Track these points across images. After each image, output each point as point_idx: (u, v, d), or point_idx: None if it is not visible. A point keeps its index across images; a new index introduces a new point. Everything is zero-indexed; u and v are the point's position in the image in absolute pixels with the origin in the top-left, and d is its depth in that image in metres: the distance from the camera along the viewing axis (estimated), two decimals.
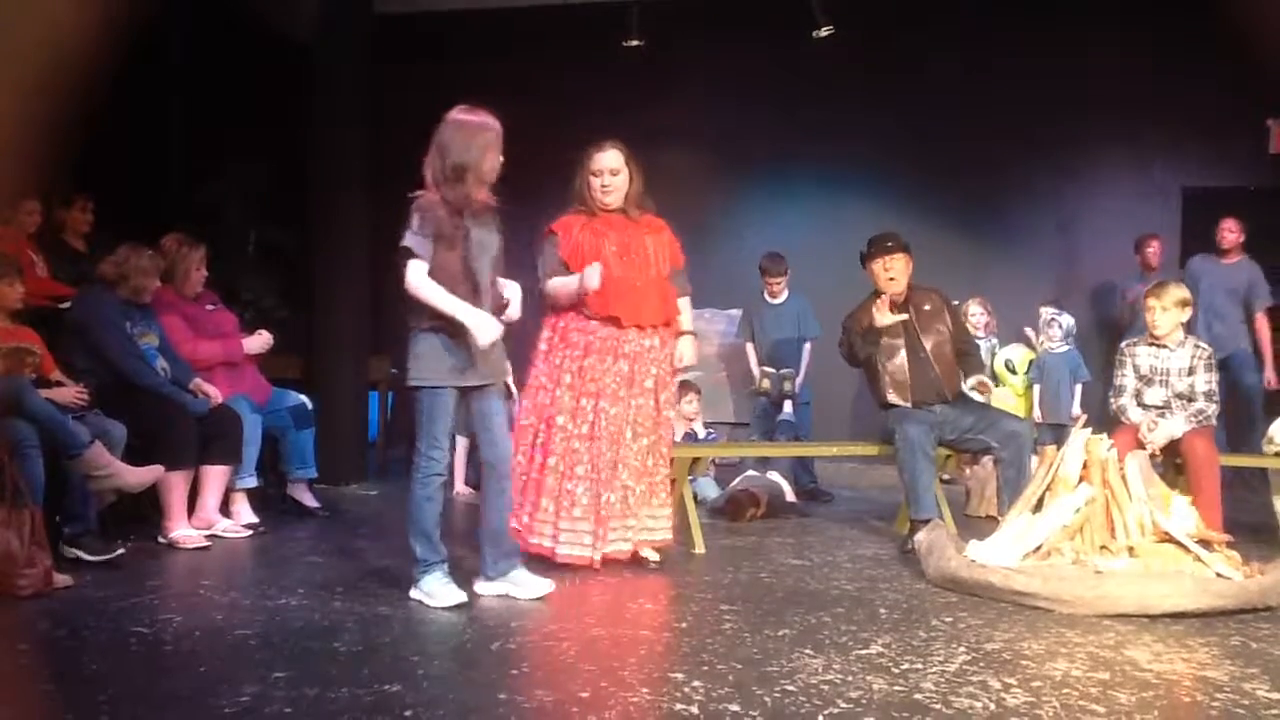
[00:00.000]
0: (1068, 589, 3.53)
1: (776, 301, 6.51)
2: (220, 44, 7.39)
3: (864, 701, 2.56)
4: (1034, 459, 4.43)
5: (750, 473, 5.92)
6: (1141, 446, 4.49)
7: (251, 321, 5.95)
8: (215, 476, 4.68)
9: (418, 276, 3.43)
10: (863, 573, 4.15)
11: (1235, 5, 5.67)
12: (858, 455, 5.56)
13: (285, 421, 5.24)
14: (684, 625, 3.34)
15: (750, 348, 6.56)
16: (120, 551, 3.96)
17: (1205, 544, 3.81)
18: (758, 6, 7.68)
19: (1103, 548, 3.81)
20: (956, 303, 5.33)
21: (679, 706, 2.50)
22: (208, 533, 4.56)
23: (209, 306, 5.15)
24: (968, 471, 6.02)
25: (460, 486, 6.15)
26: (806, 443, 6.22)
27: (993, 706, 2.54)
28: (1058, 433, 5.97)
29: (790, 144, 7.98)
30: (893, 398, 4.86)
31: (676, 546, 4.46)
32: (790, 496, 5.85)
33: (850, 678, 2.75)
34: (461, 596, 3.47)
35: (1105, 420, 4.86)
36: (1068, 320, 6.58)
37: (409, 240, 3.43)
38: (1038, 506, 4.00)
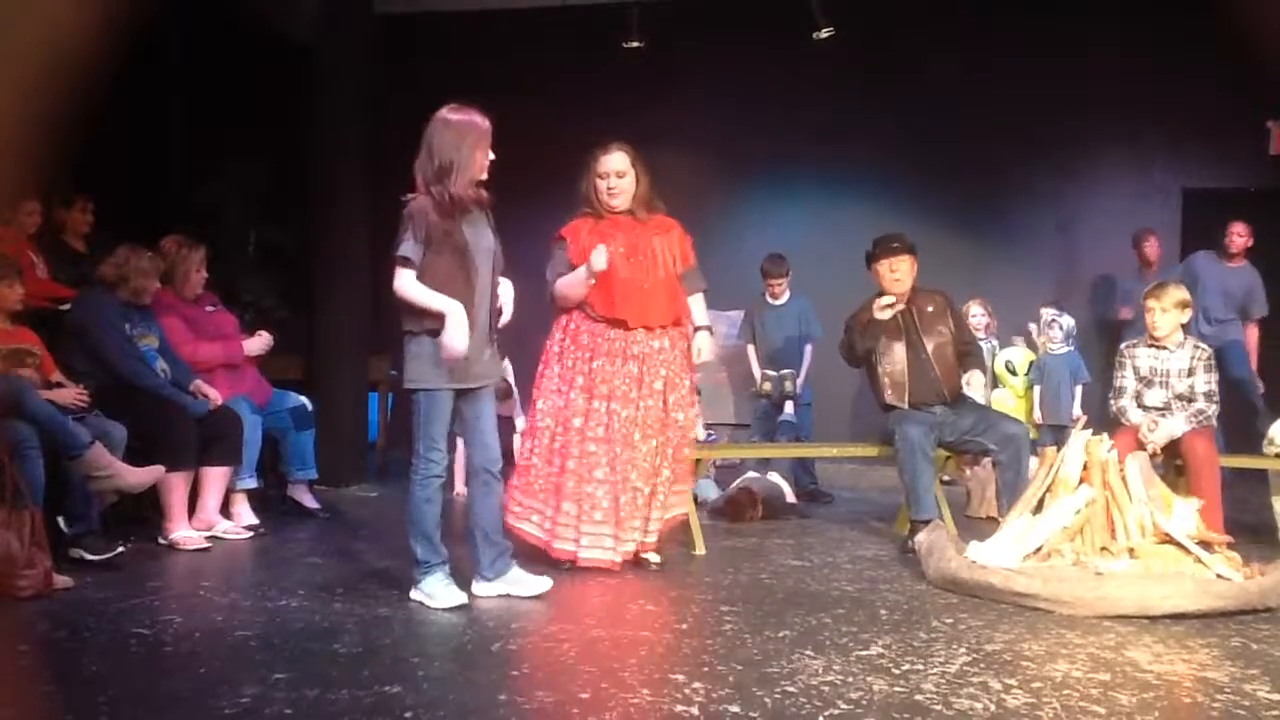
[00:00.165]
0: (1068, 590, 3.53)
1: (778, 302, 6.51)
2: (220, 44, 7.38)
3: (864, 703, 2.56)
4: (1034, 460, 4.43)
5: (750, 474, 5.92)
6: (1142, 448, 4.49)
7: (252, 322, 5.95)
8: (215, 478, 4.68)
9: (402, 282, 3.44)
10: (863, 574, 4.15)
11: (1235, 5, 5.67)
12: (858, 456, 5.55)
13: (285, 423, 5.24)
14: (684, 626, 3.34)
15: (751, 349, 6.55)
16: (121, 550, 3.96)
17: (1205, 545, 3.81)
18: (758, 8, 7.68)
19: (1103, 549, 3.81)
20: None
21: (679, 708, 2.50)
22: (208, 534, 4.57)
23: (209, 308, 5.15)
24: (968, 472, 6.01)
25: (460, 487, 6.14)
26: (807, 444, 6.21)
27: (993, 708, 2.54)
28: (1058, 434, 5.97)
29: (790, 145, 7.98)
30: (892, 399, 4.86)
31: (677, 548, 4.46)
32: (790, 497, 5.84)
33: (851, 679, 2.75)
34: (462, 598, 3.48)
35: (1105, 421, 4.85)
36: (1068, 321, 6.58)
37: (403, 248, 3.44)
38: (1038, 508, 4.00)
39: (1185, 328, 4.81)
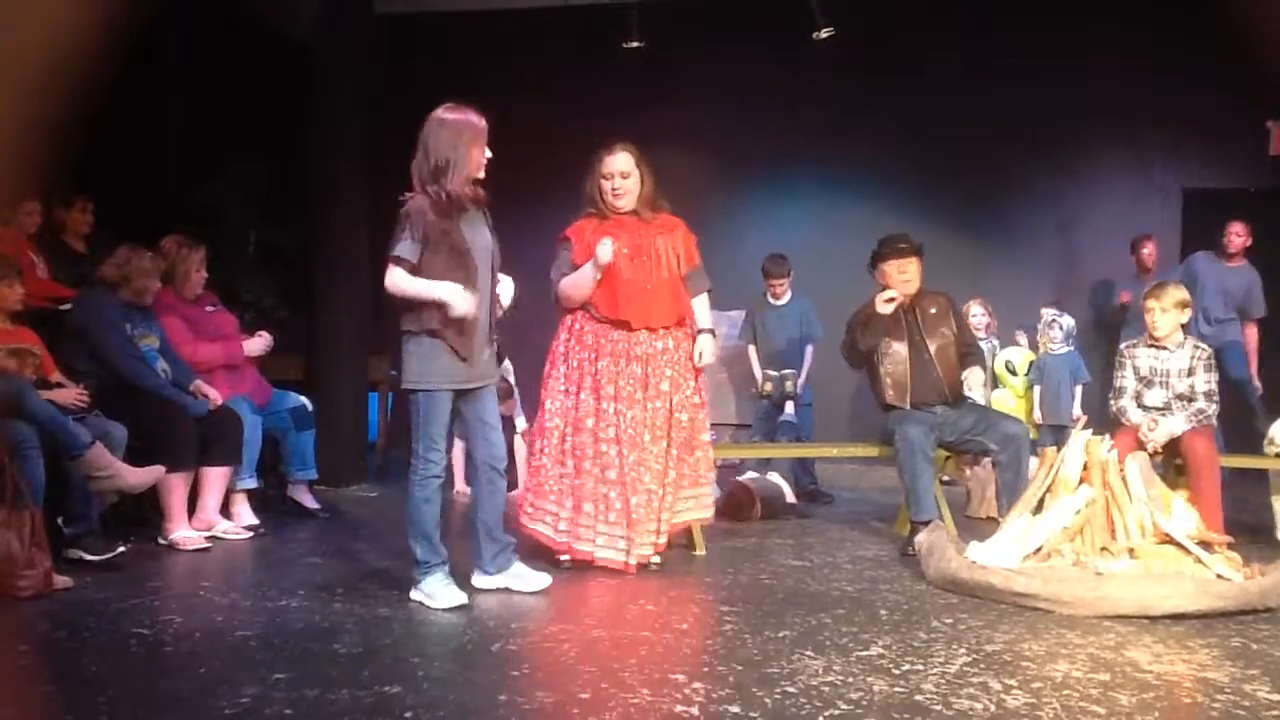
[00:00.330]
0: (1068, 590, 3.53)
1: (779, 303, 6.51)
2: (220, 44, 7.38)
3: (865, 703, 2.57)
4: (1034, 461, 4.43)
5: (750, 474, 5.92)
6: (1142, 447, 4.49)
7: (252, 323, 5.95)
8: (215, 478, 4.68)
9: (394, 278, 3.45)
10: (863, 574, 4.15)
11: (1235, 5, 5.67)
12: (858, 457, 5.55)
13: (285, 423, 5.24)
14: (684, 626, 3.34)
15: (752, 350, 6.56)
16: (121, 550, 3.96)
17: (1205, 545, 3.81)
18: (758, 8, 7.68)
19: (1103, 549, 3.81)
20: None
21: (679, 708, 2.50)
22: (208, 534, 4.56)
23: (209, 308, 5.15)
24: (968, 473, 6.01)
25: (460, 485, 6.15)
26: (807, 444, 6.22)
27: (993, 708, 2.54)
28: (1058, 434, 5.97)
29: (790, 145, 7.98)
30: (893, 399, 4.86)
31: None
32: (790, 498, 5.84)
33: (851, 679, 2.75)
34: (462, 598, 3.48)
35: (1105, 422, 4.85)
36: (1068, 322, 6.58)
37: (398, 248, 3.45)
38: (1038, 508, 4.00)
39: (1185, 328, 4.82)
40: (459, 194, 3.47)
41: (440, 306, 3.43)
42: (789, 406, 6.26)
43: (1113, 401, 4.84)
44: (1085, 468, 3.96)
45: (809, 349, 6.43)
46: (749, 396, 6.81)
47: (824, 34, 7.38)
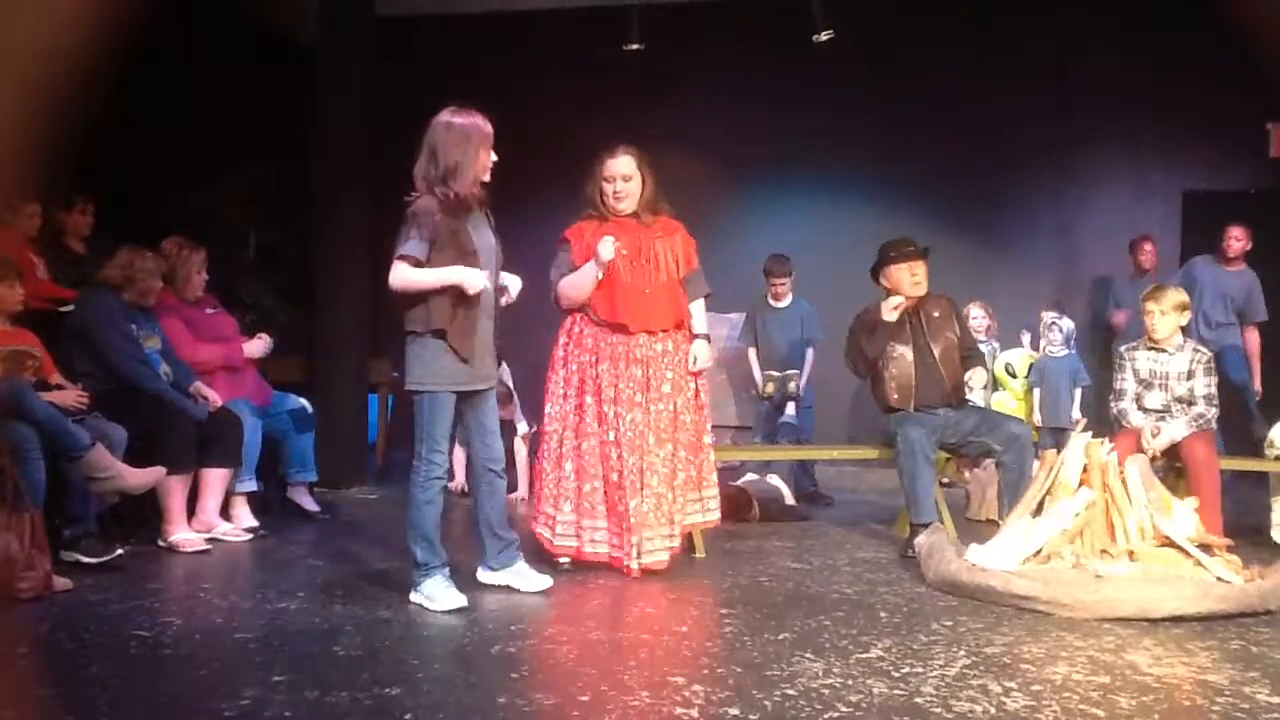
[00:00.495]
0: (1068, 593, 3.53)
1: (780, 305, 6.51)
2: (220, 44, 7.38)
3: (864, 705, 2.57)
4: (1034, 463, 4.43)
5: (750, 475, 5.92)
6: (1142, 450, 4.49)
7: (253, 325, 5.94)
8: (215, 479, 4.68)
9: (398, 272, 3.45)
10: (863, 576, 4.15)
11: (1235, 6, 5.66)
12: (858, 459, 5.55)
13: (285, 425, 5.24)
14: (684, 629, 3.35)
15: (752, 352, 6.56)
16: (119, 553, 3.96)
17: (1205, 548, 3.81)
18: (758, 10, 7.67)
19: (1103, 551, 3.81)
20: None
21: (679, 710, 2.50)
22: (208, 536, 4.56)
23: (209, 310, 5.15)
24: (967, 475, 6.02)
25: (460, 478, 6.13)
26: (807, 446, 6.21)
27: (993, 710, 2.54)
28: (1058, 437, 5.97)
29: (790, 147, 7.97)
30: (897, 401, 4.86)
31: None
32: (790, 500, 5.84)
33: (850, 681, 2.75)
34: (462, 600, 3.48)
35: (1105, 424, 4.85)
36: (1068, 324, 6.58)
37: (406, 246, 3.44)
38: (1038, 510, 4.00)
39: (1185, 330, 4.82)
40: (468, 195, 3.49)
41: (450, 300, 3.43)
42: (790, 407, 6.26)
43: (1113, 404, 4.84)
44: (1085, 470, 3.96)
45: (809, 352, 6.43)
46: (749, 399, 6.81)
47: (824, 36, 7.38)
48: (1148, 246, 7.12)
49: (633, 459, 4.04)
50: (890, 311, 4.79)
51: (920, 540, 4.23)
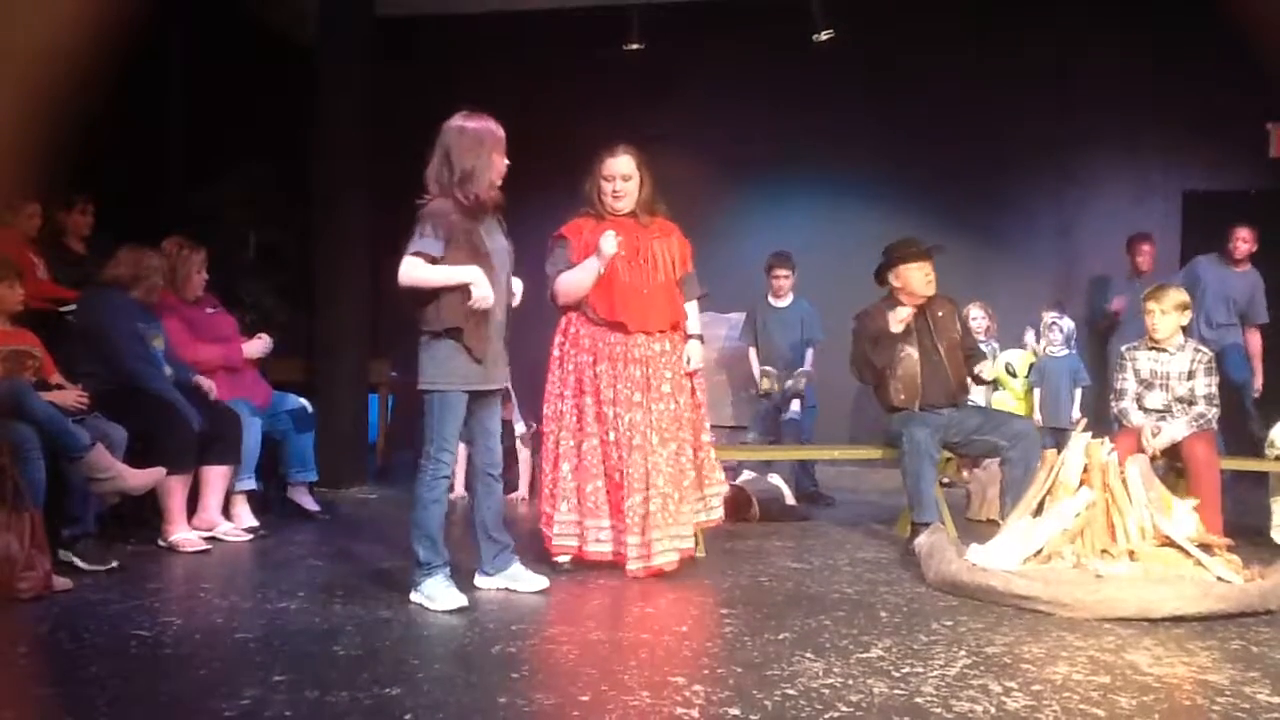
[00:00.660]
0: (1068, 593, 3.53)
1: (781, 305, 6.51)
2: (220, 44, 7.38)
3: (864, 705, 2.56)
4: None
5: (748, 473, 5.91)
6: (1142, 450, 4.49)
7: (253, 324, 5.94)
8: (215, 478, 4.68)
9: (411, 269, 3.44)
10: (863, 576, 4.15)
11: (1235, 6, 5.66)
12: (859, 459, 5.55)
13: (286, 425, 5.24)
14: (684, 629, 3.35)
15: (752, 352, 6.55)
16: (115, 565, 3.95)
17: (1206, 548, 3.81)
18: (758, 10, 7.67)
19: (1103, 551, 3.81)
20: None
21: (679, 710, 2.50)
22: (208, 535, 4.56)
23: (209, 310, 5.15)
24: (967, 475, 6.01)
25: (460, 489, 6.14)
26: (809, 446, 6.21)
27: (993, 710, 2.54)
28: (1058, 436, 5.96)
29: (790, 147, 7.96)
30: (902, 401, 4.86)
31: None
32: (790, 500, 5.84)
33: (851, 681, 2.75)
34: (462, 600, 3.48)
35: (1105, 424, 4.85)
36: (1068, 324, 6.58)
37: (420, 244, 3.44)
38: (1038, 510, 4.00)
39: (1185, 330, 4.82)
40: (486, 198, 3.51)
41: (462, 300, 3.43)
42: (795, 404, 6.25)
43: (1114, 403, 4.84)
44: (1085, 470, 3.96)
45: (809, 352, 6.43)
46: (748, 398, 6.80)
47: (824, 36, 7.38)
48: (1145, 247, 7.11)
49: (635, 459, 4.04)
50: (897, 324, 4.79)
51: (921, 540, 4.22)
